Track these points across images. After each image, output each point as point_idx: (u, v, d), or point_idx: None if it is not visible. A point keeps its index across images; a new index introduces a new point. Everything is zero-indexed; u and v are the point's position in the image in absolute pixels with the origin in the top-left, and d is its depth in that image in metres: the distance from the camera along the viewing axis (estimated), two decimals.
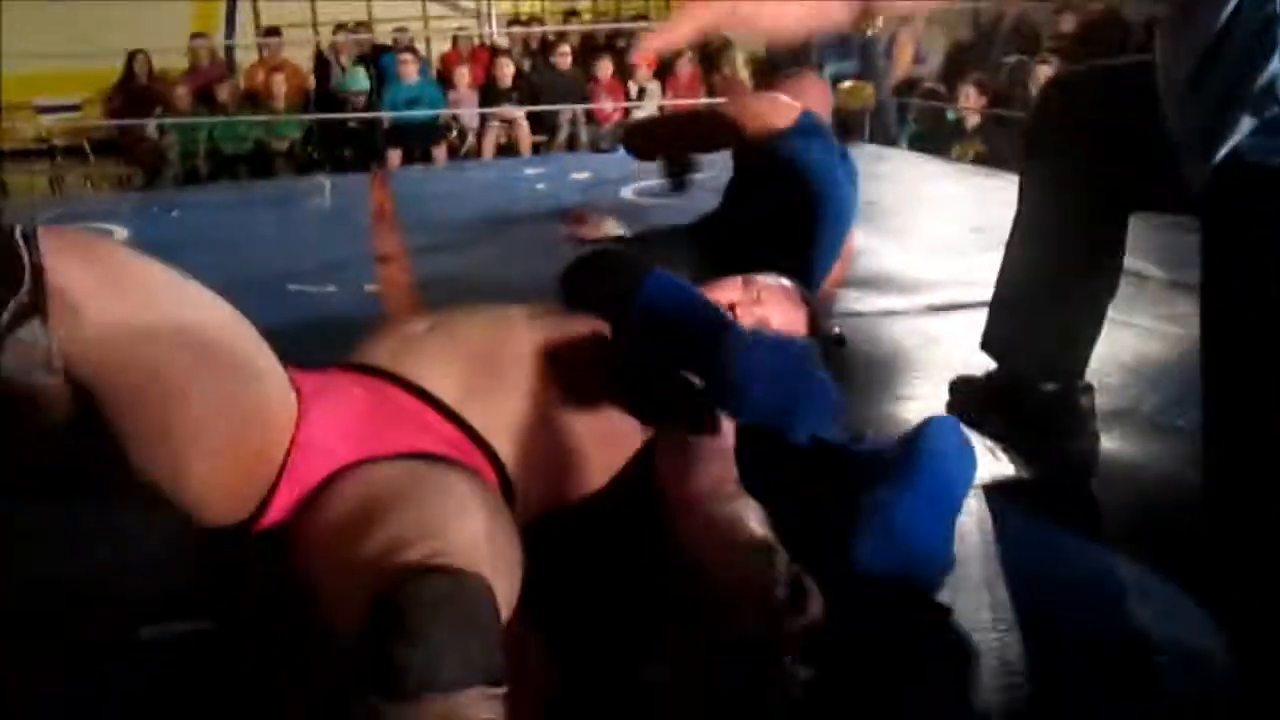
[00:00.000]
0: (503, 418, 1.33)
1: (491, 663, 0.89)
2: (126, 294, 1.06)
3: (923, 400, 1.86)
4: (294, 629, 1.12)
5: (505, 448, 1.32)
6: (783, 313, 1.63)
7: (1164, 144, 1.27)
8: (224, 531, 1.19)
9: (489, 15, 8.76)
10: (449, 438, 1.28)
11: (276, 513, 1.19)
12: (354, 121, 7.12)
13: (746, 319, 1.56)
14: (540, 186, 4.88)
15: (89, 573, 1.38)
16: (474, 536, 0.99)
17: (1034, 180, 1.64)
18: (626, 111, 7.28)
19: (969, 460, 1.32)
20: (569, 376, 1.42)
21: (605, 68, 7.50)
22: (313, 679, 1.03)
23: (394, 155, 6.98)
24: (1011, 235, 1.68)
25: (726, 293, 1.61)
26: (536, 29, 8.66)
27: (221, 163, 7.04)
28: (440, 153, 7.07)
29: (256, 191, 5.54)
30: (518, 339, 1.44)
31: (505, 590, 1.00)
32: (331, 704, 0.91)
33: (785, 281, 1.69)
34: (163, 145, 6.95)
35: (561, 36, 8.41)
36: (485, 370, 1.37)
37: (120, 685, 1.17)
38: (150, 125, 6.91)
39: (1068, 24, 6.61)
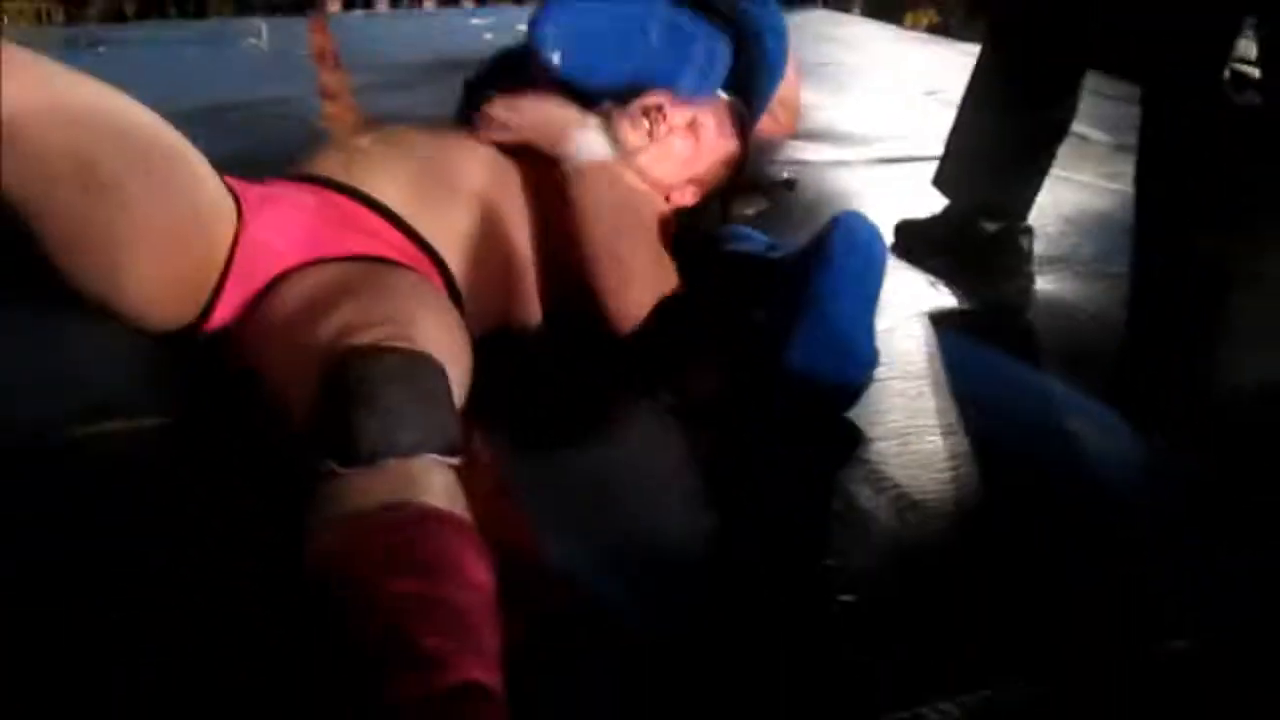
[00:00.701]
0: (452, 229, 1.33)
1: (448, 433, 0.91)
2: (47, 80, 1.03)
3: None
4: (245, 423, 1.14)
5: (454, 259, 1.32)
6: (717, 125, 1.58)
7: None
8: (170, 335, 1.19)
9: None
10: (398, 245, 1.29)
11: (224, 313, 1.19)
12: None
13: (675, 117, 1.53)
14: (488, 36, 4.74)
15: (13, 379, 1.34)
16: (425, 325, 1.00)
17: (992, 31, 1.67)
18: None
19: (881, 246, 1.29)
20: (518, 194, 1.42)
21: None
22: (266, 469, 1.04)
23: (332, 2, 6.69)
24: (969, 84, 1.70)
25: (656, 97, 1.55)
26: None
27: (148, 1, 6.69)
28: (382, 2, 6.79)
29: (188, 29, 5.31)
30: (467, 154, 1.43)
31: (458, 379, 1.02)
32: (285, 485, 0.91)
33: (725, 96, 1.66)
34: None
35: None
36: (434, 182, 1.36)
37: (48, 484, 1.11)
38: None
39: None
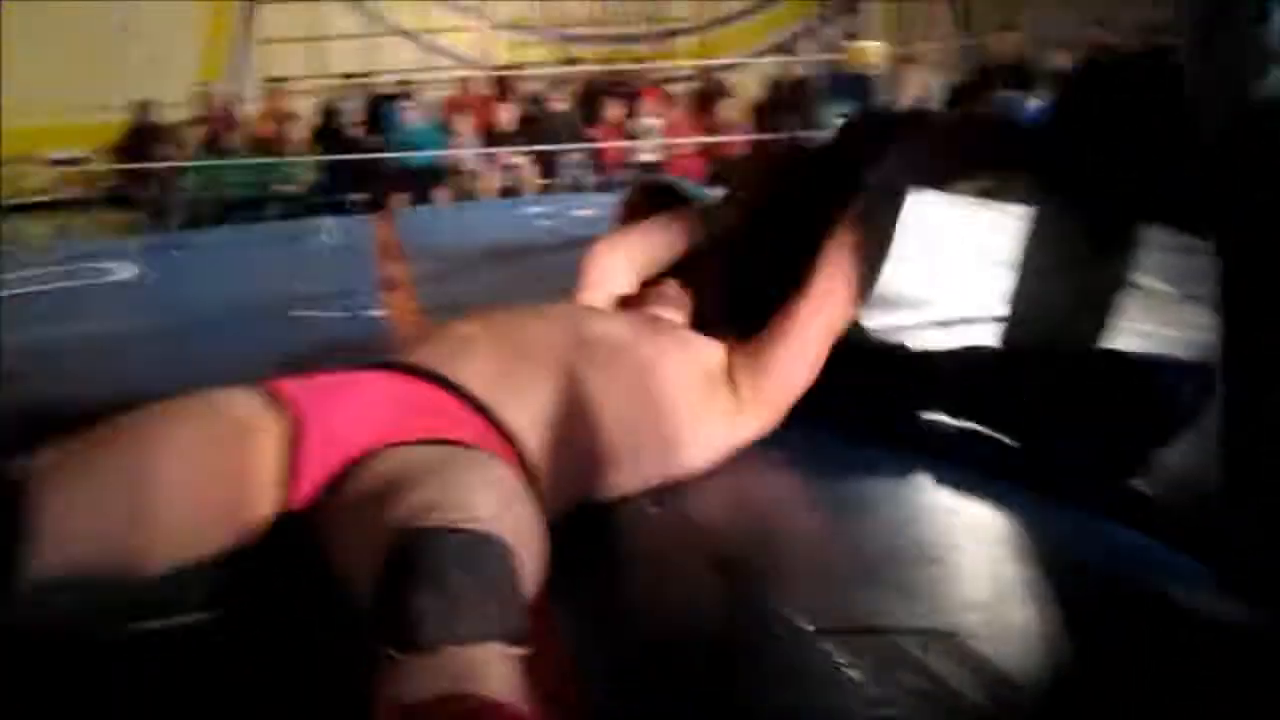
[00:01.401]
0: (529, 410, 1.32)
1: (511, 620, 0.87)
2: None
3: None
4: (314, 611, 1.11)
5: (531, 441, 1.30)
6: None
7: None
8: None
9: (492, 63, 8.88)
10: (474, 428, 1.27)
11: (299, 501, 1.18)
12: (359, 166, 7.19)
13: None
14: (544, 223, 4.91)
15: None
16: (497, 508, 0.98)
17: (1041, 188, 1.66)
18: (628, 151, 7.36)
19: None
20: (604, 369, 1.42)
21: (608, 110, 7.59)
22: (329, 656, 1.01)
23: (398, 200, 7.03)
24: (1023, 244, 1.68)
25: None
26: (537, 71, 8.78)
27: (227, 209, 7.09)
28: (443, 195, 7.13)
29: (259, 232, 5.58)
30: (551, 331, 1.44)
31: (529, 564, 0.99)
32: (347, 671, 0.88)
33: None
34: (168, 193, 7.01)
35: (563, 82, 8.52)
36: (515, 362, 1.37)
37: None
38: (161, 170, 6.99)
39: (1064, 60, 6.68)
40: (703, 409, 1.50)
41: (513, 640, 0.87)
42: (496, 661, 0.84)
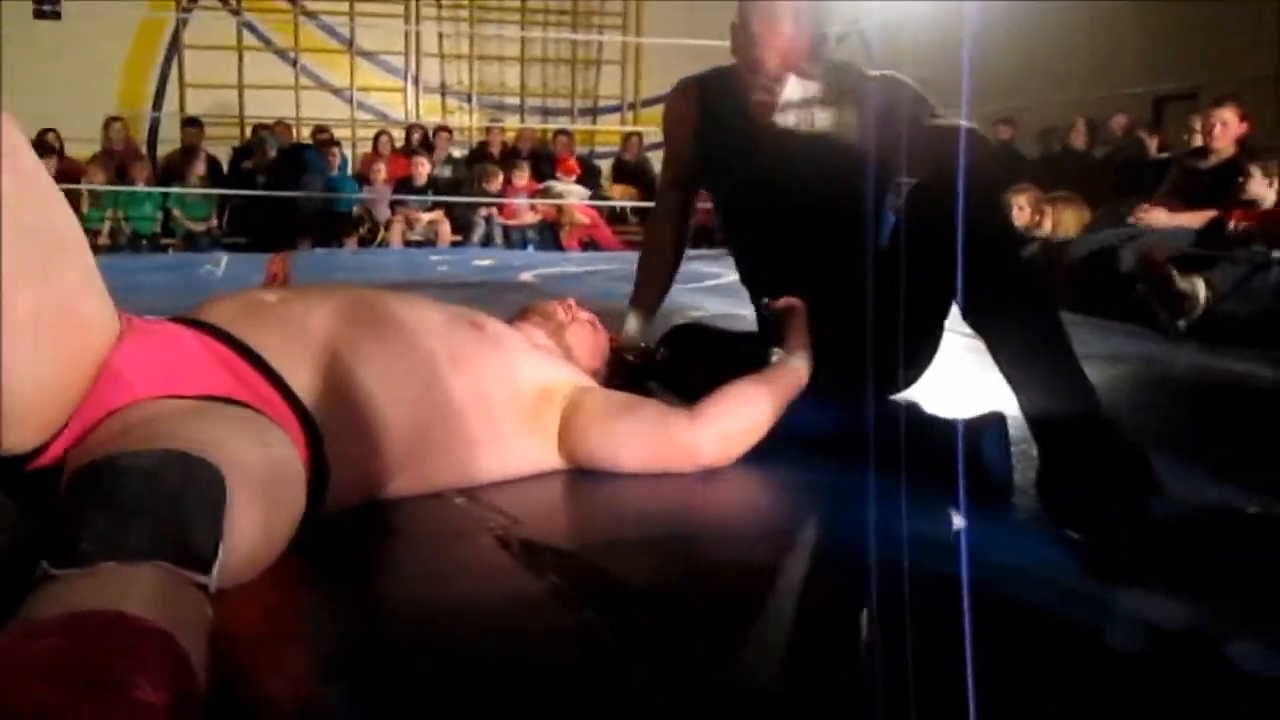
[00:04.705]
0: (334, 391, 1.26)
1: (195, 545, 0.80)
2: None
3: None
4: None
5: (330, 421, 1.25)
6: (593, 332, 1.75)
7: None
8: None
9: (416, 122, 8.89)
10: (266, 396, 1.21)
11: (58, 446, 1.10)
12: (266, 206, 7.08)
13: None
14: (443, 269, 4.88)
15: None
16: (235, 442, 0.92)
17: None
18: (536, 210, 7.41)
19: None
20: (406, 357, 1.37)
21: (521, 174, 7.64)
22: None
23: (303, 243, 6.94)
24: None
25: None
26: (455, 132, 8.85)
27: (127, 241, 6.92)
28: (351, 242, 7.06)
29: (151, 260, 5.45)
30: (365, 312, 1.38)
31: (275, 511, 0.93)
32: None
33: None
34: None
35: (483, 144, 8.58)
36: (319, 336, 1.31)
37: None
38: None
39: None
40: (518, 423, 1.46)
41: (195, 564, 0.80)
42: (159, 582, 0.77)
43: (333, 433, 1.24)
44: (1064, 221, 4.73)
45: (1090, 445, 1.33)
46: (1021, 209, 4.72)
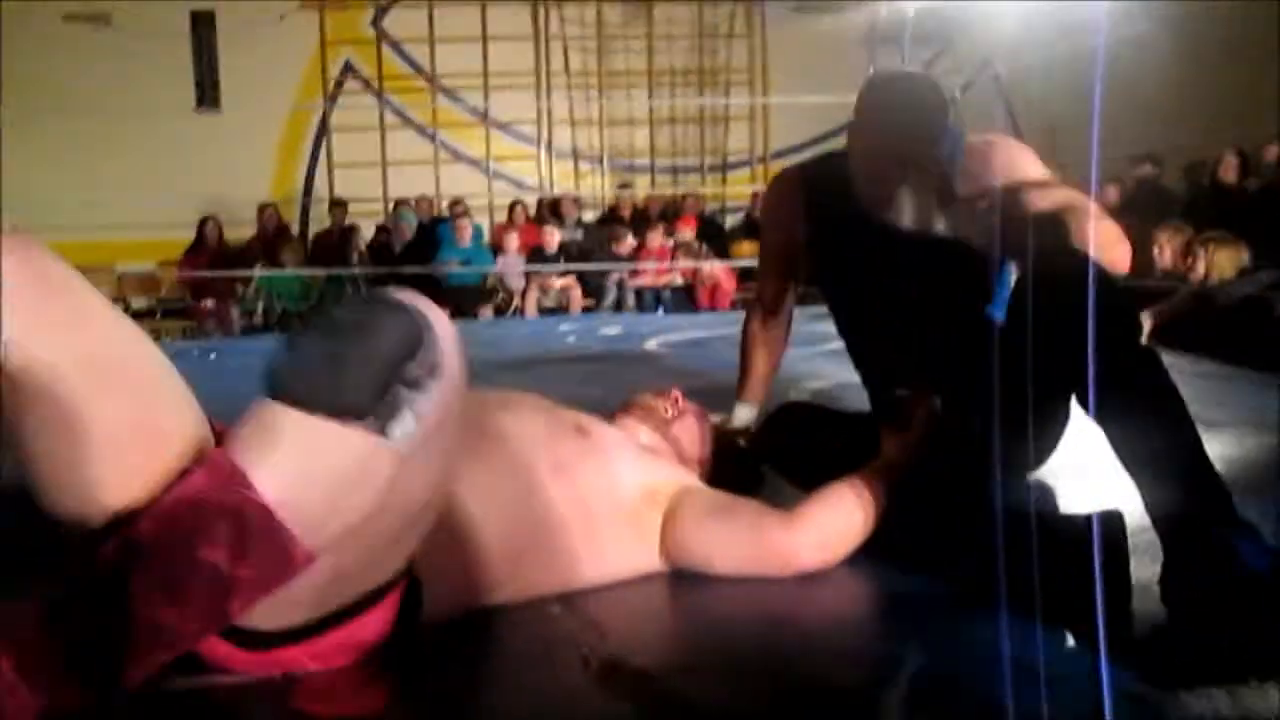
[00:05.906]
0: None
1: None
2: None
3: None
4: None
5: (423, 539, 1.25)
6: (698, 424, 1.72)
7: None
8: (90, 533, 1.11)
9: (550, 190, 9.12)
10: None
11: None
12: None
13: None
14: (570, 339, 4.97)
15: None
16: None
17: None
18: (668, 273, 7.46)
19: None
20: (521, 474, 1.38)
21: (654, 237, 7.71)
22: None
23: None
24: None
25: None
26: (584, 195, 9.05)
27: (280, 320, 7.28)
28: (485, 312, 7.25)
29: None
30: (477, 427, 1.38)
31: None
32: None
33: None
34: (222, 303, 7.26)
35: (613, 208, 8.72)
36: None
37: None
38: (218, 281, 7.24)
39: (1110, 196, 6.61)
40: (619, 528, 1.44)
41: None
42: None
43: (425, 550, 1.24)
44: (1218, 263, 4.46)
45: (1219, 548, 1.23)
46: (1162, 250, 4.46)
